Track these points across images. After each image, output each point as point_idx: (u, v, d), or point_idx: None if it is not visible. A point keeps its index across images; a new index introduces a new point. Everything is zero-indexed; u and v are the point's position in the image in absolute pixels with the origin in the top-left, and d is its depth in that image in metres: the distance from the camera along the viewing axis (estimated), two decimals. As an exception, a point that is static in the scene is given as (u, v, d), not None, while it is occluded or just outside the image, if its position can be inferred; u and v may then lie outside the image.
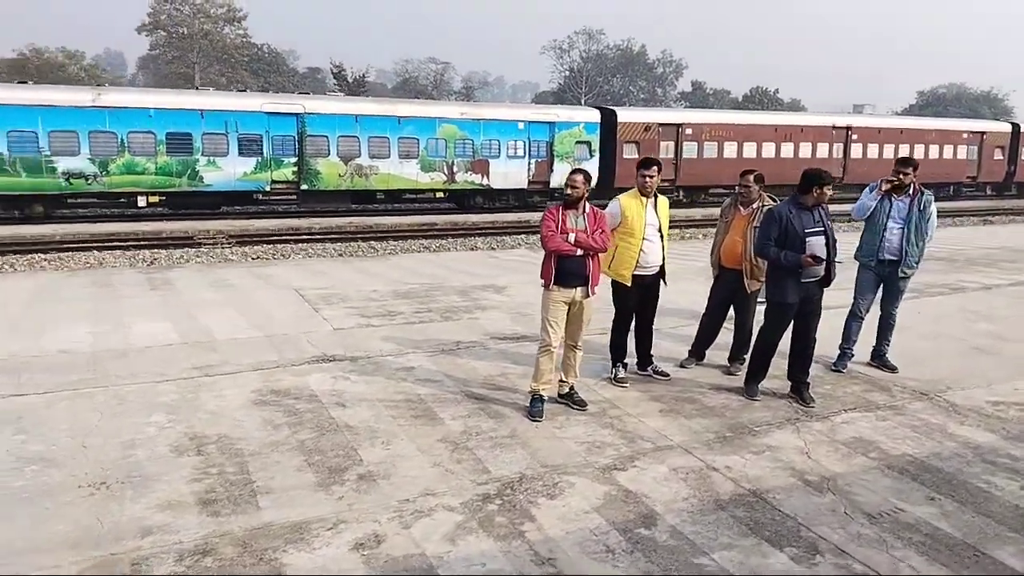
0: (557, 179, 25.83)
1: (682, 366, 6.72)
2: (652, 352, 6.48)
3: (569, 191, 5.41)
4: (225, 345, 7.09)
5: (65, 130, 19.93)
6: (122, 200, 21.66)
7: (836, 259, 5.79)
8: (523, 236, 19.25)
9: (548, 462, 4.72)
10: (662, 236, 6.09)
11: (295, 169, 22.81)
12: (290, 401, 5.62)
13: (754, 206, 6.38)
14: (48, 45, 62.26)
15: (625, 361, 6.35)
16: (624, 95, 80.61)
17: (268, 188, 22.70)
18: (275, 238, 18.08)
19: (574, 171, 5.48)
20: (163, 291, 10.01)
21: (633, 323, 6.33)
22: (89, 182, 20.44)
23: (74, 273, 12.10)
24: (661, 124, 28.99)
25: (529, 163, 26.33)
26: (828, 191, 5.64)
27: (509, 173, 25.96)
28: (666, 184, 29.52)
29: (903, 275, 6.63)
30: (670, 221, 6.39)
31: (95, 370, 6.27)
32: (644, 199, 6.03)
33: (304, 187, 23.01)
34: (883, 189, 6.59)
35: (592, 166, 26.53)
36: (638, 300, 6.21)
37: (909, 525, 4.02)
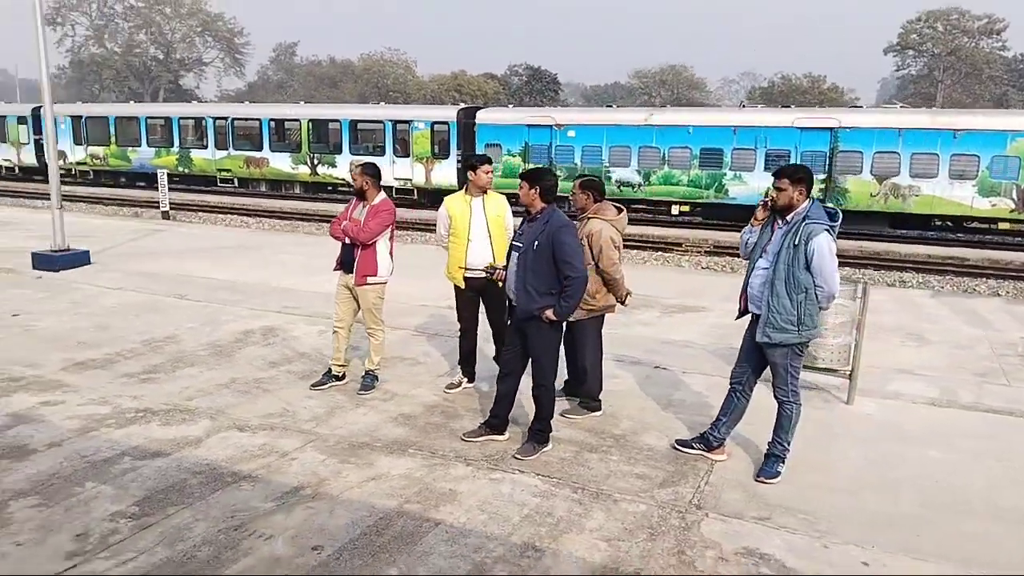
0: None
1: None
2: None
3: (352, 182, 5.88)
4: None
5: (621, 145, 23.92)
6: (661, 208, 24.63)
7: (566, 291, 4.60)
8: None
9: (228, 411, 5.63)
10: (491, 236, 5.72)
11: (823, 187, 21.84)
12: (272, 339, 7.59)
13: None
14: (795, 72, 66.53)
15: (472, 370, 6.10)
16: None
17: (789, 204, 22.36)
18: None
19: (357, 165, 5.87)
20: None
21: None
22: (635, 190, 24.04)
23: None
24: None
25: None
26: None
27: None
28: None
29: (766, 340, 4.37)
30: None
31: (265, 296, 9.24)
32: (470, 197, 5.79)
33: (828, 204, 21.72)
34: (758, 217, 4.51)
35: None
36: (477, 305, 5.95)
37: None
